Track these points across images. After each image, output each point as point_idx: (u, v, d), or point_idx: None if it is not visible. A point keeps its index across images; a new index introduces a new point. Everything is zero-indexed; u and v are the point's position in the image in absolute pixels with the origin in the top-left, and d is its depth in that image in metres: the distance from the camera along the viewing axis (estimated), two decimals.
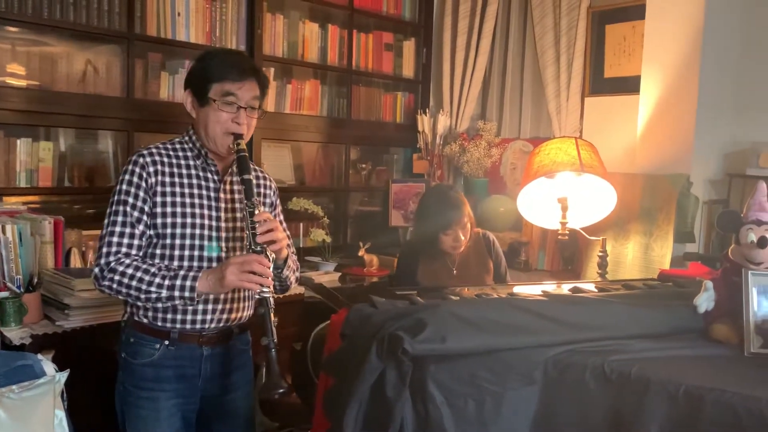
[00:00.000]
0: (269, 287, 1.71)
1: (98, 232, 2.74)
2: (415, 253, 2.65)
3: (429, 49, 4.25)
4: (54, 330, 2.22)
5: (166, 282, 1.71)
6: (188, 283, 1.70)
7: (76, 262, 2.59)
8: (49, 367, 1.89)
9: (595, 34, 3.51)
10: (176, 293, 1.70)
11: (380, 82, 4.13)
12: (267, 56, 3.38)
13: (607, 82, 3.48)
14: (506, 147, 3.84)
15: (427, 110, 4.11)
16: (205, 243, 1.81)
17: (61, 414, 1.83)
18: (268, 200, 1.99)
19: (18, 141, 2.70)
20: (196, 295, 1.71)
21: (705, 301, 1.61)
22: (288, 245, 1.91)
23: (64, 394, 1.87)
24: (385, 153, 4.31)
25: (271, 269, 1.73)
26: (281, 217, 2.03)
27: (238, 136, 1.79)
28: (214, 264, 1.81)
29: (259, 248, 1.71)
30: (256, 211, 1.73)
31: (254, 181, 1.91)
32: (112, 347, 2.28)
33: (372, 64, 4.01)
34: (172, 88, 3.11)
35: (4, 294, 2.23)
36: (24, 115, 2.66)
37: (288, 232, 1.98)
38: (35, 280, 2.35)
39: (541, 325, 1.55)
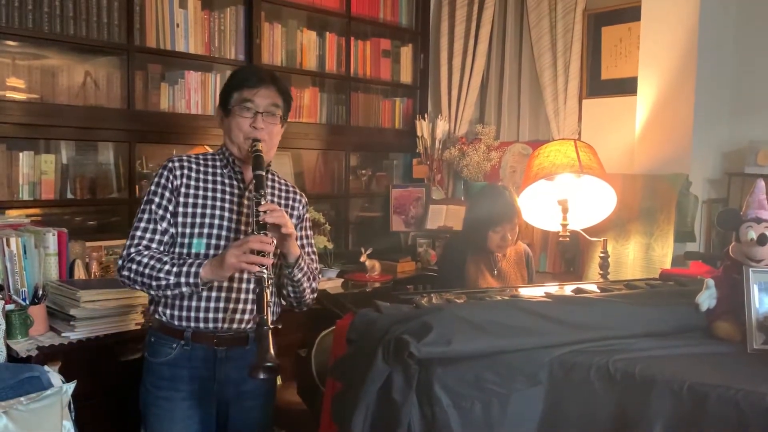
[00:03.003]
0: (268, 268, 1.70)
1: (101, 243, 2.80)
2: (464, 248, 2.70)
3: (426, 54, 4.28)
4: (60, 341, 2.23)
5: (174, 269, 1.77)
6: (193, 269, 1.76)
7: (80, 273, 2.60)
8: (55, 378, 1.91)
9: (591, 37, 3.53)
10: (182, 279, 1.76)
11: (378, 89, 4.15)
12: (266, 65, 3.40)
13: (605, 84, 3.50)
14: (505, 150, 3.85)
15: (426, 115, 4.13)
16: (222, 243, 1.85)
17: (68, 425, 1.85)
18: (295, 212, 2.02)
19: (20, 154, 2.71)
20: (200, 281, 1.75)
21: (707, 299, 1.62)
22: (309, 253, 1.95)
23: (71, 405, 1.88)
24: (384, 159, 4.32)
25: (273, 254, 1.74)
26: (308, 231, 2.05)
27: (255, 140, 1.84)
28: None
29: (261, 234, 1.73)
30: (263, 201, 1.76)
31: (285, 194, 1.99)
32: (118, 357, 2.30)
33: (370, 71, 4.03)
34: (172, 98, 3.12)
35: (10, 306, 2.24)
36: (25, 129, 2.67)
37: (314, 248, 2.02)
38: (40, 292, 2.36)
39: (545, 327, 1.56)
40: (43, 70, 2.80)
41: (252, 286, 1.89)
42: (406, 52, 4.22)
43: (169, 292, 1.79)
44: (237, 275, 1.85)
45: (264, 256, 1.69)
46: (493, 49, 3.98)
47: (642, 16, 3.10)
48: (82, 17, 2.79)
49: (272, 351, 1.59)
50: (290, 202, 2.02)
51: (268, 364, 1.57)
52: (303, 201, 2.07)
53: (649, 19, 3.07)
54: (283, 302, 2.01)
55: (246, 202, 1.91)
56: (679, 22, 2.95)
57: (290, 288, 1.93)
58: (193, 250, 1.85)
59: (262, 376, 1.58)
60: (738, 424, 1.25)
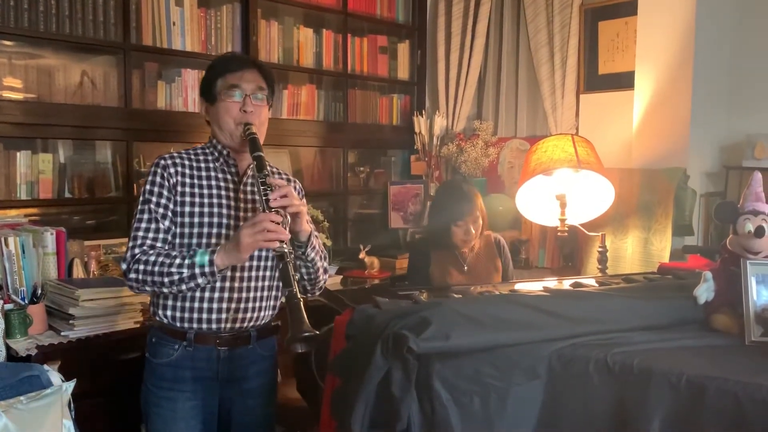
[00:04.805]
0: (286, 242, 1.67)
1: (100, 242, 2.80)
2: (427, 247, 2.69)
3: (423, 50, 4.27)
4: (59, 340, 2.23)
5: (186, 261, 1.72)
6: (207, 257, 1.71)
7: (78, 272, 2.59)
8: (55, 377, 1.90)
9: (588, 31, 3.53)
10: (197, 270, 1.71)
11: (376, 85, 4.15)
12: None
13: (602, 79, 3.50)
14: (503, 146, 3.85)
15: (424, 111, 4.13)
16: (222, 241, 1.82)
17: (69, 423, 1.84)
18: None
19: (18, 154, 2.70)
20: (216, 269, 1.71)
21: (705, 291, 1.62)
22: (309, 223, 1.90)
23: (71, 404, 1.87)
24: (382, 155, 4.32)
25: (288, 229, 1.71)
26: (307, 217, 2.02)
27: (247, 124, 1.82)
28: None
29: (273, 211, 1.69)
30: (268, 181, 1.72)
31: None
32: (118, 356, 2.30)
33: (367, 68, 4.03)
34: (169, 97, 3.12)
35: (9, 306, 2.24)
36: (23, 128, 2.67)
37: (312, 225, 1.97)
38: (39, 291, 2.36)
39: (543, 321, 1.56)
40: (40, 70, 2.79)
41: (256, 284, 1.88)
42: (403, 49, 4.22)
43: (183, 287, 1.74)
44: (245, 273, 1.85)
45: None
46: (490, 45, 3.98)
47: (639, 11, 3.10)
48: (78, 16, 2.79)
49: (307, 321, 1.57)
50: None
51: (306, 334, 1.54)
52: (298, 187, 2.04)
53: (645, 14, 3.07)
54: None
55: (242, 196, 1.89)
56: (675, 16, 2.95)
57: (304, 271, 1.90)
58: (195, 240, 1.81)
59: (300, 348, 1.56)
60: (736, 416, 1.25)
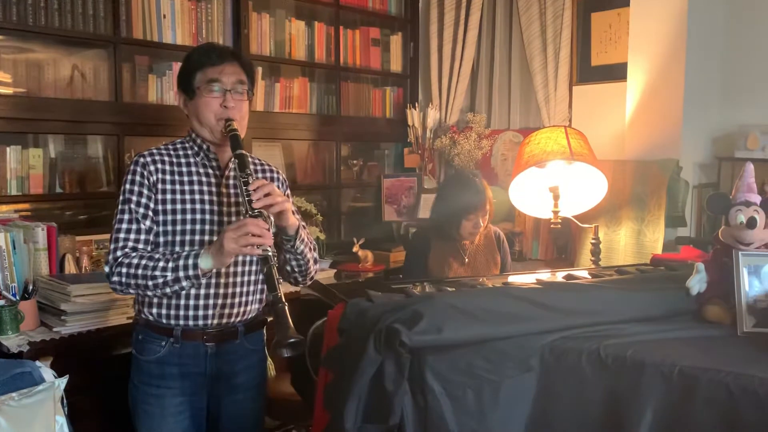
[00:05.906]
0: (270, 246, 1.66)
1: (92, 237, 2.78)
2: (427, 238, 2.69)
3: (416, 43, 4.25)
4: (51, 336, 2.22)
5: (170, 264, 1.70)
6: (191, 261, 1.69)
7: (70, 268, 2.58)
8: (47, 373, 1.89)
9: (581, 23, 3.52)
10: (181, 273, 1.69)
11: (369, 78, 4.13)
12: (254, 55, 3.38)
13: (595, 70, 3.49)
14: (496, 138, 3.85)
15: (417, 104, 4.12)
16: (206, 238, 1.80)
17: (61, 420, 1.84)
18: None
19: (7, 149, 2.68)
20: (200, 272, 1.69)
21: (697, 283, 1.62)
22: (294, 212, 1.86)
23: (64, 400, 1.87)
24: (375, 148, 4.31)
25: (272, 230, 1.70)
26: (293, 208, 1.97)
27: (228, 120, 1.80)
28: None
29: (256, 212, 1.67)
30: (251, 180, 1.71)
31: (261, 174, 1.94)
32: (110, 351, 2.30)
33: (360, 60, 4.01)
34: (160, 90, 3.10)
35: (0, 302, 2.23)
36: (12, 123, 2.65)
37: (299, 215, 1.94)
38: (30, 287, 2.34)
39: (536, 313, 1.56)
40: (29, 64, 2.77)
41: (242, 279, 1.87)
42: (396, 41, 4.20)
43: (168, 290, 1.72)
44: (231, 269, 1.84)
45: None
46: (482, 37, 3.96)
47: (631, 2, 3.10)
48: (67, 9, 2.77)
49: (292, 326, 1.57)
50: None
51: (292, 340, 1.55)
52: (281, 178, 2.03)
53: (638, 5, 3.07)
54: (289, 281, 1.97)
55: (224, 190, 1.87)
56: (668, 6, 2.95)
57: (294, 263, 1.89)
58: (178, 237, 1.80)
59: (286, 353, 1.56)
60: (728, 407, 1.25)
